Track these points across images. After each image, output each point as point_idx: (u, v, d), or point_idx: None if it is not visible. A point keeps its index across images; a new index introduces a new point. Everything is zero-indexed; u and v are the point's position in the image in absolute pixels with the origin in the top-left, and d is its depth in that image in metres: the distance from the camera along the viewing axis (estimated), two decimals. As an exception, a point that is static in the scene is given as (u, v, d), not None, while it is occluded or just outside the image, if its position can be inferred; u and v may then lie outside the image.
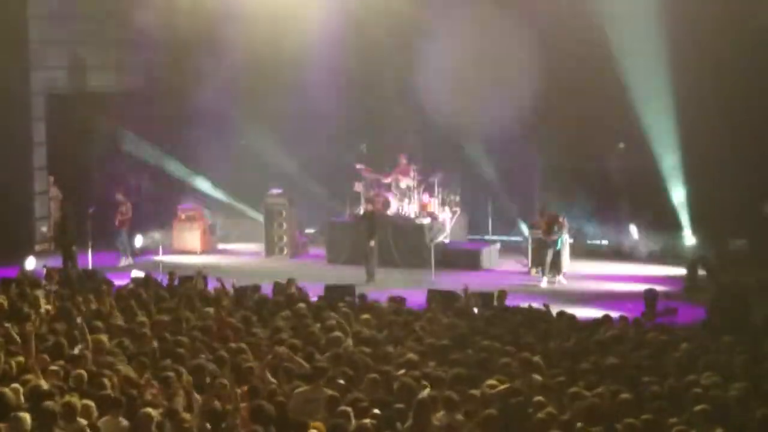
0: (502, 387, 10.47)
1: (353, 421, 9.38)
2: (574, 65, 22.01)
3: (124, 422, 9.67)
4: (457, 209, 23.59)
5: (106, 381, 10.60)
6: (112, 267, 21.74)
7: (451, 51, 22.04)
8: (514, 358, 11.82)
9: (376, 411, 9.79)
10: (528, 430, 9.69)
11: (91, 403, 9.82)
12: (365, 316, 14.33)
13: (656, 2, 21.07)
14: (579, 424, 9.44)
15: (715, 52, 20.96)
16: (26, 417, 9.15)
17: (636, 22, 21.11)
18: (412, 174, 22.98)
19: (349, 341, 12.89)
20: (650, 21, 20.94)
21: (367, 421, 9.34)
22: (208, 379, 10.92)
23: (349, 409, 9.66)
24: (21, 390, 10.20)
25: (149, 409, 9.58)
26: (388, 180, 23.14)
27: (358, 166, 23.22)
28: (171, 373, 10.91)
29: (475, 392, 10.51)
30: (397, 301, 15.68)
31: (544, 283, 20.64)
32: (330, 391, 10.29)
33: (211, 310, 14.69)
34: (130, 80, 24.12)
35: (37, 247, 23.92)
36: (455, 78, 21.98)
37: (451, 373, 11.19)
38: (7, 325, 12.71)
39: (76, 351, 11.96)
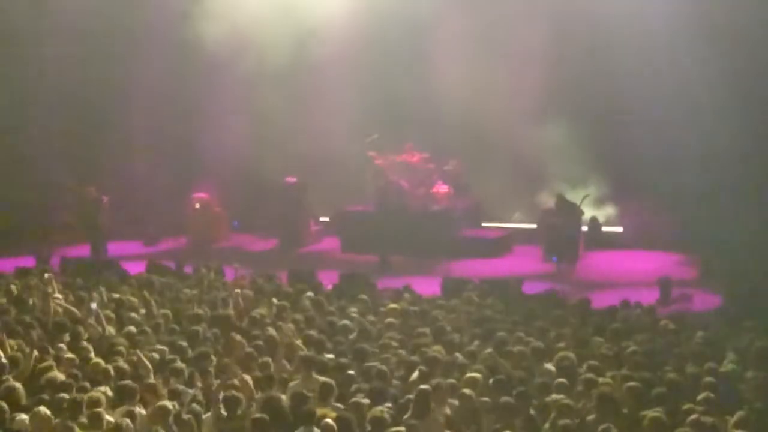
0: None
1: (364, 410, 9.41)
2: (588, 53, 21.89)
3: (138, 410, 9.70)
4: (471, 197, 23.51)
5: (120, 370, 10.65)
6: (127, 256, 21.80)
7: (464, 38, 21.96)
8: (528, 346, 11.81)
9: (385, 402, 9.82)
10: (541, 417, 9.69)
11: (104, 395, 9.86)
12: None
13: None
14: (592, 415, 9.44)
15: (732, 34, 20.83)
16: (46, 411, 9.21)
17: (652, 13, 21.05)
18: (420, 161, 22.93)
19: (362, 330, 12.90)
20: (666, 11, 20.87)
21: (377, 408, 9.35)
22: (214, 369, 10.92)
23: (358, 397, 9.69)
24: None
25: (166, 402, 9.58)
26: (399, 159, 23.03)
27: (370, 155, 23.19)
28: (182, 366, 10.95)
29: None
30: (411, 290, 15.66)
31: (558, 270, 20.58)
32: (332, 380, 10.31)
33: (228, 299, 14.72)
34: (143, 71, 24.08)
35: (54, 237, 23.98)
36: (468, 65, 21.90)
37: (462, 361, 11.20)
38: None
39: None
